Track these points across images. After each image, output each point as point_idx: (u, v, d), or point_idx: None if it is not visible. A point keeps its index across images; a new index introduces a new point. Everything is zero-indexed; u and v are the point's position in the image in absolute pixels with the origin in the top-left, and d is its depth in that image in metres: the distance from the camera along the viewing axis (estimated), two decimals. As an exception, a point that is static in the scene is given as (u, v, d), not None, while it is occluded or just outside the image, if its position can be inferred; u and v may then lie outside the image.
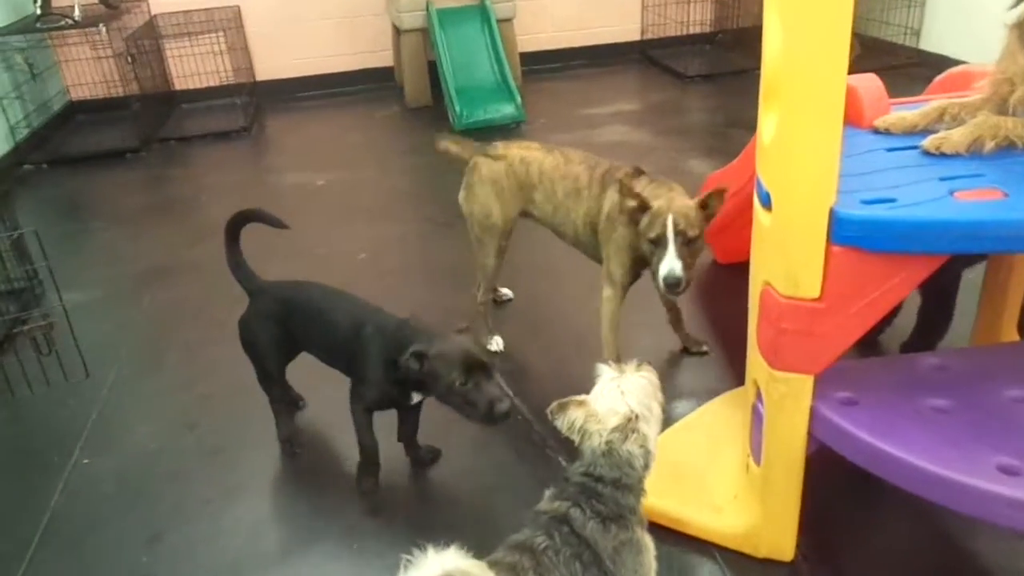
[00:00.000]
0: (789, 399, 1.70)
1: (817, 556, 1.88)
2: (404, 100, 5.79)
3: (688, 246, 2.23)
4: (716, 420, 2.31)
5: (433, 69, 5.54)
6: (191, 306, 3.34)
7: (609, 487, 1.50)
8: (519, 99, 5.20)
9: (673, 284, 2.22)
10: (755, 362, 1.80)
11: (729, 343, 2.79)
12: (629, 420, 1.53)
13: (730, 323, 2.91)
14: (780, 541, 1.87)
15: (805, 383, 1.67)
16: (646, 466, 1.55)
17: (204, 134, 5.46)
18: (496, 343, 2.83)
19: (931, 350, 2.25)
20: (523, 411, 2.52)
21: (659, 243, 2.24)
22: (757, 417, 1.82)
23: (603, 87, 6.05)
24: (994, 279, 2.21)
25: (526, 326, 3.00)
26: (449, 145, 2.78)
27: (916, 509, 1.99)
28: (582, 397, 1.58)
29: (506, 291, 3.15)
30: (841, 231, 1.51)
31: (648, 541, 1.54)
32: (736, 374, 2.59)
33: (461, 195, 2.73)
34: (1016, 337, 2.32)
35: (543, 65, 6.39)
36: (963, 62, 2.45)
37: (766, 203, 1.66)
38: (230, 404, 2.67)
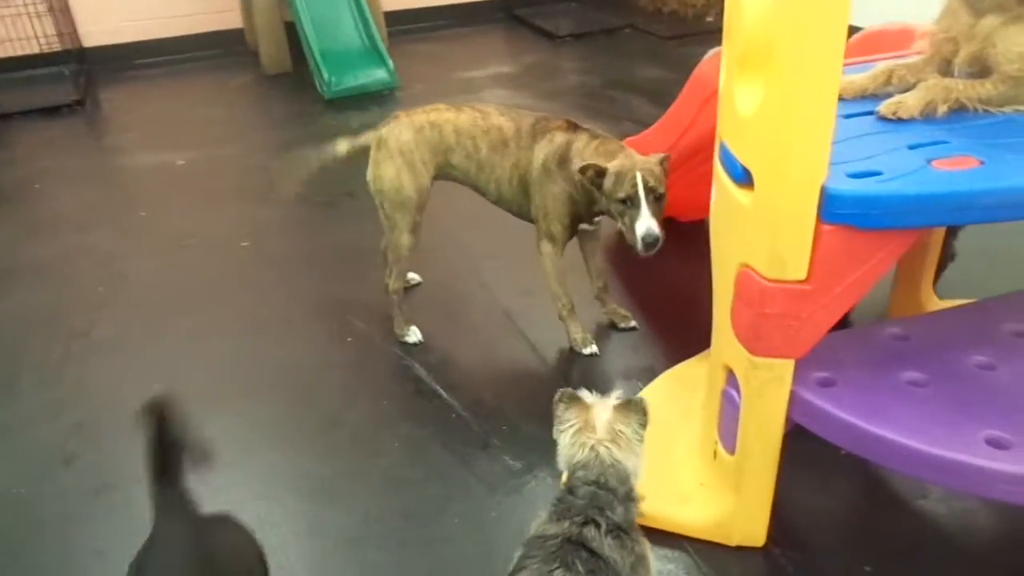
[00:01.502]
0: (771, 385, 1.61)
1: (787, 540, 1.84)
2: (260, 66, 5.30)
3: (658, 203, 2.18)
4: (662, 404, 2.20)
5: (291, 31, 5.08)
6: (40, 315, 2.87)
7: (619, 500, 1.38)
8: (391, 63, 4.88)
9: (651, 243, 2.16)
10: (727, 348, 1.70)
11: (656, 315, 2.71)
12: (617, 431, 1.44)
13: (652, 294, 2.84)
14: (753, 528, 1.81)
15: (787, 368, 1.59)
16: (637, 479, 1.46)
17: (27, 110, 4.75)
18: (414, 334, 2.60)
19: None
20: (456, 408, 2.32)
21: (630, 202, 2.17)
22: (730, 404, 1.73)
23: (474, 48, 5.82)
24: (908, 255, 2.23)
25: (442, 310, 2.79)
26: (353, 144, 2.50)
27: (876, 480, 2.00)
28: (588, 400, 1.49)
29: (412, 275, 2.92)
30: (832, 208, 1.42)
31: (651, 552, 1.43)
32: (669, 349, 2.52)
33: (368, 172, 2.47)
34: (935, 299, 2.38)
35: (407, 25, 6.06)
36: (858, 27, 2.44)
37: (741, 180, 1.54)
38: (112, 430, 2.30)
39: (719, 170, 1.68)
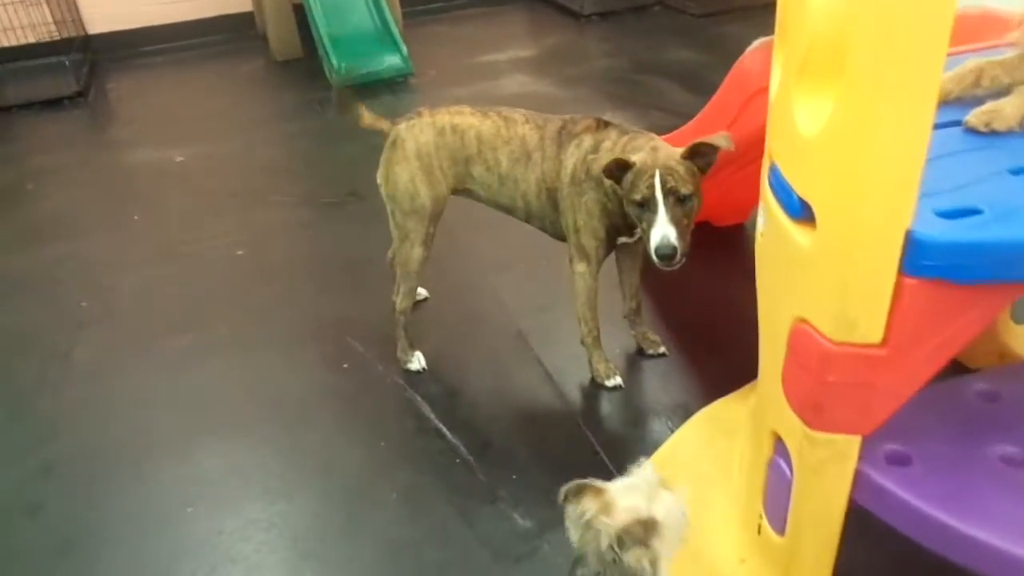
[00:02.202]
0: (831, 463, 1.32)
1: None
2: (269, 52, 5.03)
3: (681, 206, 1.86)
4: (696, 454, 1.93)
5: (301, 14, 4.81)
6: (14, 335, 2.65)
7: None
8: (404, 48, 4.58)
9: (667, 255, 1.85)
10: (776, 412, 1.41)
11: (689, 340, 2.41)
12: (645, 524, 1.18)
13: (684, 314, 2.55)
14: (807, 618, 1.53)
15: (852, 444, 1.30)
16: None
17: (27, 103, 4.54)
18: (417, 361, 2.34)
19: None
20: (461, 452, 2.06)
21: (647, 206, 1.87)
22: (779, 477, 1.44)
23: (493, 30, 5.48)
24: None
25: (450, 331, 2.52)
26: (374, 121, 2.21)
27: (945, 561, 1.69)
28: (602, 484, 1.24)
29: (421, 290, 2.64)
30: (920, 259, 1.11)
31: None
32: (703, 381, 2.24)
33: (380, 174, 2.19)
34: (1012, 326, 2.05)
35: (422, 6, 5.74)
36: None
37: (799, 215, 1.24)
38: (85, 474, 2.08)
39: (769, 200, 1.37)
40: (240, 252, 3.01)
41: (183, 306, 2.73)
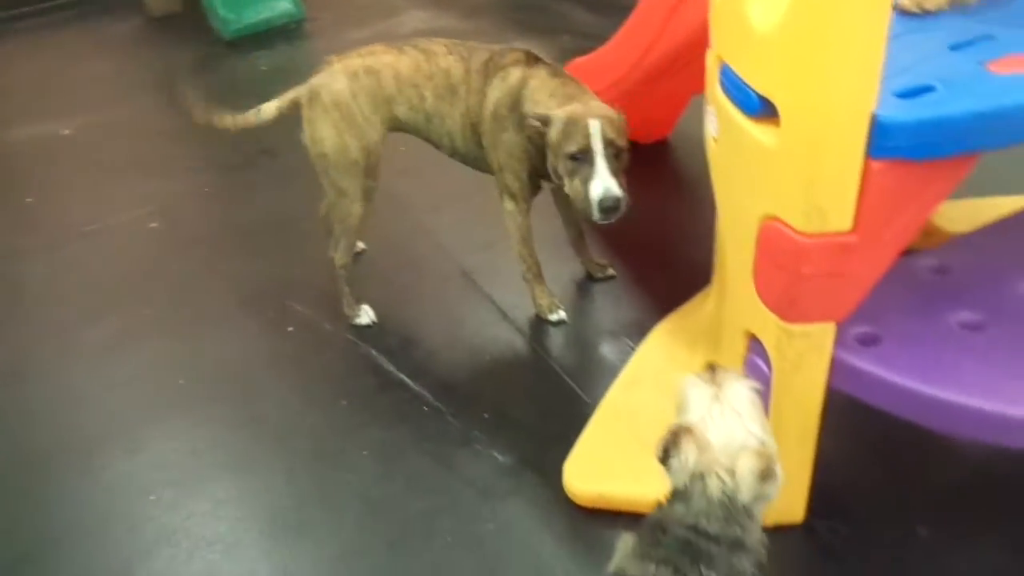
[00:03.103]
0: (809, 354, 1.35)
1: (829, 510, 1.62)
2: (145, 8, 4.67)
3: (617, 159, 1.83)
4: (660, 368, 1.95)
5: (174, -35, 4.47)
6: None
7: (724, 548, 1.08)
8: (294, -9, 4.33)
9: (611, 208, 1.80)
10: (748, 313, 1.42)
11: (634, 260, 2.42)
12: (769, 460, 1.09)
13: (625, 237, 2.54)
14: (791, 505, 1.59)
15: (827, 333, 1.33)
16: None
17: None
18: (366, 314, 2.27)
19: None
20: (428, 400, 2.02)
21: (583, 158, 1.80)
22: (757, 375, 1.46)
23: (384, -35, 5.24)
24: None
25: (394, 281, 2.45)
26: (281, 104, 2.10)
27: (918, 429, 1.78)
28: (688, 423, 1.12)
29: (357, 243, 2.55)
30: (885, 141, 1.12)
31: None
32: (655, 297, 2.26)
33: (305, 135, 2.08)
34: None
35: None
36: None
37: (758, 112, 1.23)
38: (21, 487, 1.91)
39: (722, 101, 1.35)
40: (154, 225, 2.83)
41: (98, 291, 2.55)
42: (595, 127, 1.77)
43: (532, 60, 1.97)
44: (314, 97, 2.03)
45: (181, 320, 2.39)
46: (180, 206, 2.94)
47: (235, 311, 2.39)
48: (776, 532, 1.58)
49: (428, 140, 2.14)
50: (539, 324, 2.22)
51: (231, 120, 2.17)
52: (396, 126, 2.10)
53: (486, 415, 1.96)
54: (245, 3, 4.23)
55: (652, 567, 1.08)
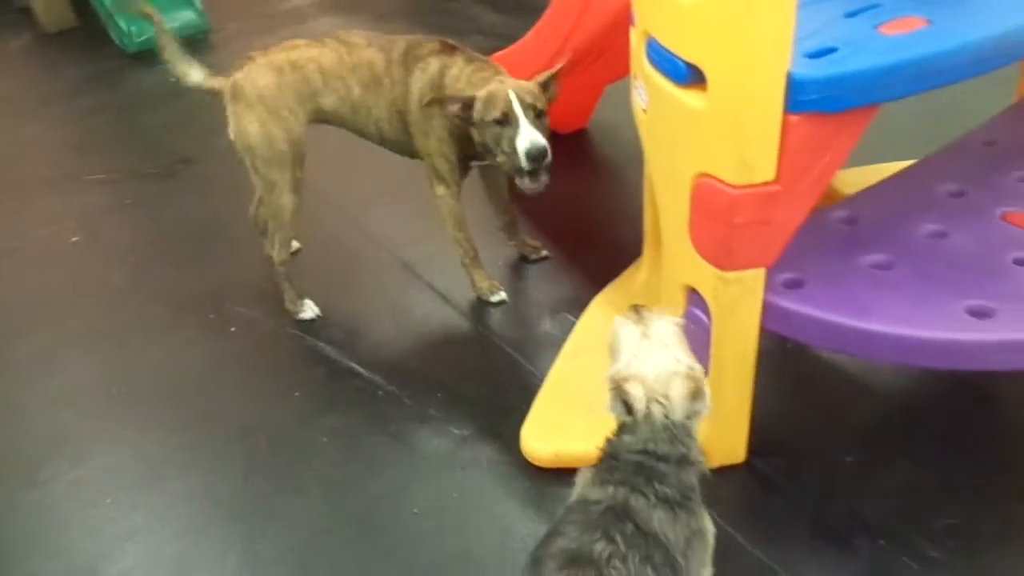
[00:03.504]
0: (743, 298, 1.48)
1: (767, 448, 1.76)
2: (38, 24, 4.50)
3: (539, 121, 1.93)
4: (601, 335, 2.03)
5: (67, -22, 4.33)
6: None
7: (673, 466, 1.18)
8: (197, 2, 4.27)
9: (539, 155, 1.90)
10: (686, 267, 1.54)
11: (565, 240, 2.53)
12: (697, 381, 1.19)
13: (555, 218, 2.65)
14: (733, 446, 1.73)
15: (758, 278, 1.47)
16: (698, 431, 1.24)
17: None
18: (310, 309, 2.29)
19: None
20: (381, 384, 2.07)
21: (506, 122, 1.91)
22: (697, 325, 1.58)
23: (286, -28, 5.21)
24: None
25: (334, 276, 2.48)
26: (205, 79, 2.12)
27: (838, 368, 1.96)
28: (623, 369, 1.21)
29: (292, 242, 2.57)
30: (799, 96, 1.26)
31: (710, 524, 1.26)
32: (589, 274, 2.37)
33: (231, 130, 2.10)
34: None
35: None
36: None
37: (686, 79, 1.35)
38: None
39: (650, 73, 1.47)
40: (75, 239, 2.76)
41: (24, 307, 2.48)
42: (512, 94, 1.90)
43: (449, 49, 2.06)
44: (238, 92, 2.06)
45: (114, 330, 2.35)
46: (101, 219, 2.87)
47: (171, 317, 2.37)
48: (721, 472, 1.73)
49: (353, 130, 2.19)
50: (481, 306, 2.30)
51: (163, 27, 2.18)
52: (321, 118, 2.14)
53: (439, 394, 2.02)
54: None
55: (611, 489, 1.18)
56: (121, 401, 2.11)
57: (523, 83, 1.96)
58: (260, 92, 2.04)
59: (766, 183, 1.34)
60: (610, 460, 1.22)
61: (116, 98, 3.79)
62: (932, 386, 1.92)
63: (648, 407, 1.17)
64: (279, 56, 2.07)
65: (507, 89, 1.91)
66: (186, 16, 4.23)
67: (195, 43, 4.20)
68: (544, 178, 1.96)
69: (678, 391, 1.17)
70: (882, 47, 1.31)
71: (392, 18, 4.31)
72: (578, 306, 2.21)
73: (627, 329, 1.27)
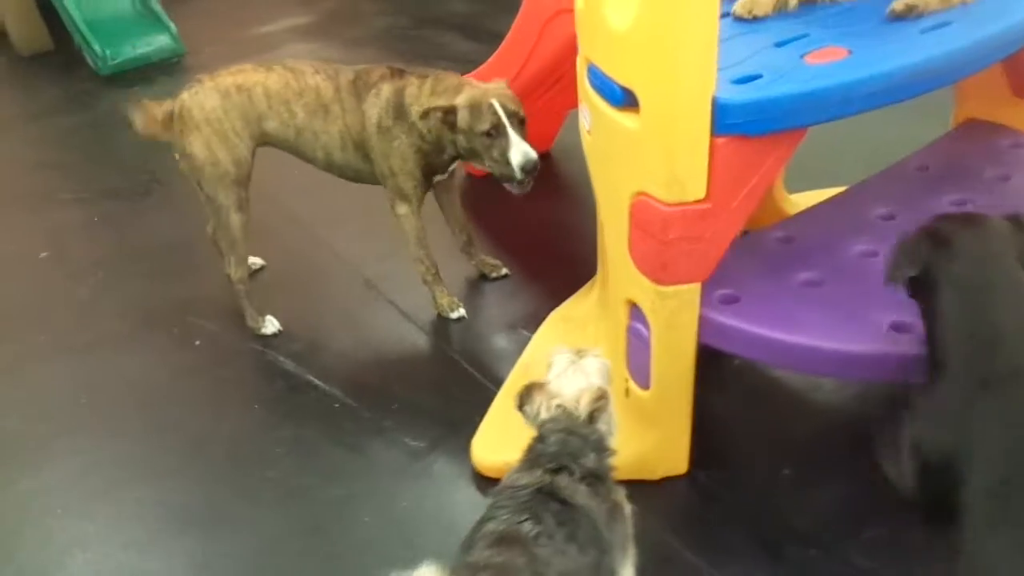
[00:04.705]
0: (680, 312, 1.55)
1: (709, 460, 1.82)
2: (12, 47, 4.55)
3: (522, 127, 2.03)
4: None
5: (45, 2, 4.38)
6: None
7: (591, 448, 1.30)
8: (173, 27, 4.34)
9: (532, 168, 2.00)
10: (627, 283, 1.61)
11: (525, 258, 2.60)
12: (601, 396, 1.35)
13: (515, 237, 2.73)
14: (675, 458, 1.78)
15: (694, 292, 1.54)
16: (612, 436, 1.39)
17: None
18: (271, 324, 2.33)
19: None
20: (339, 397, 2.11)
21: (495, 133, 1.99)
22: (638, 339, 1.66)
23: (265, 1, 5.31)
24: None
25: (298, 292, 2.52)
26: (140, 116, 2.17)
27: (776, 383, 2.02)
28: (541, 381, 1.39)
29: (254, 259, 2.61)
30: (724, 119, 1.34)
31: (627, 503, 1.37)
32: (547, 290, 2.43)
33: (177, 150, 2.16)
34: (785, 194, 2.43)
35: (183, -18, 5.42)
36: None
37: (622, 102, 1.43)
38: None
39: (591, 96, 1.55)
40: (44, 255, 2.79)
41: (-7, 320, 2.51)
42: (497, 104, 1.97)
43: (397, 73, 2.12)
44: (185, 114, 2.12)
45: (80, 343, 2.38)
46: (70, 236, 2.91)
47: (137, 331, 2.41)
48: (665, 483, 1.79)
49: (298, 154, 2.23)
50: (441, 322, 2.35)
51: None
52: (266, 141, 2.19)
53: (395, 407, 2.06)
54: (123, 39, 4.21)
55: (539, 472, 1.27)
56: (83, 412, 2.14)
57: (501, 90, 2.04)
58: (207, 114, 2.10)
59: (697, 201, 1.41)
60: (535, 447, 1.31)
61: (90, 119, 3.84)
62: (870, 403, 1.99)
63: (558, 411, 1.31)
64: (226, 79, 2.13)
65: (491, 99, 1.98)
66: (162, 40, 4.31)
67: (170, 66, 4.29)
68: (531, 182, 2.05)
69: (585, 399, 1.32)
70: (803, 75, 1.40)
71: (364, 45, 4.41)
72: (535, 322, 2.27)
73: (561, 356, 1.44)
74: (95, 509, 1.84)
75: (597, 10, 1.42)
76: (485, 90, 2.01)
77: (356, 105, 2.11)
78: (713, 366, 1.68)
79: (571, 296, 2.30)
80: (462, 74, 2.79)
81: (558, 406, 1.35)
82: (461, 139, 2.05)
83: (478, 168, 2.22)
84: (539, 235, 2.71)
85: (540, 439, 1.33)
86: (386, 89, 2.10)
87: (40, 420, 2.11)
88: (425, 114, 2.01)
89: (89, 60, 4.23)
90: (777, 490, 1.78)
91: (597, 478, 1.28)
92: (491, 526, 1.20)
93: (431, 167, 2.18)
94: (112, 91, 4.08)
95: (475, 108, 1.99)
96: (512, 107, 1.99)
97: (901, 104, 1.47)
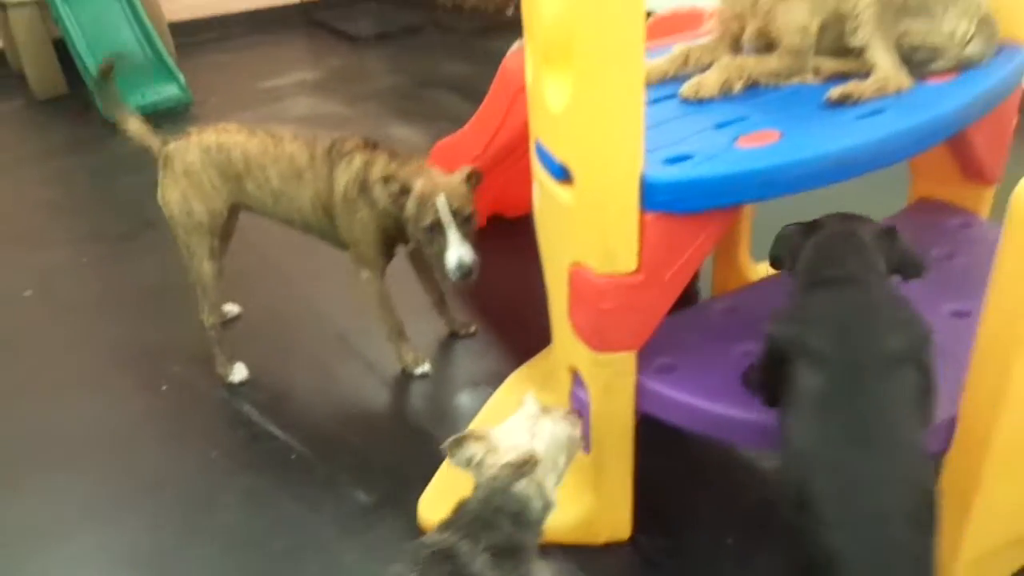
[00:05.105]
0: (616, 379, 1.59)
1: (652, 526, 1.84)
2: (29, 91, 4.73)
3: (466, 225, 2.05)
4: (511, 411, 2.15)
5: (62, 49, 4.57)
6: None
7: (508, 520, 1.31)
8: (182, 78, 4.51)
9: (467, 273, 2.02)
10: (568, 349, 1.66)
11: (496, 317, 2.65)
12: (527, 461, 1.35)
13: (489, 296, 2.78)
14: (617, 523, 1.80)
15: (629, 360, 1.58)
16: (545, 508, 1.40)
17: None
18: (238, 372, 2.38)
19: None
20: (297, 449, 2.15)
21: (436, 230, 2.02)
22: (579, 404, 1.69)
23: (274, 56, 5.51)
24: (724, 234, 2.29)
25: (270, 342, 2.58)
26: (135, 126, 2.26)
27: (724, 451, 2.04)
28: (484, 430, 1.40)
29: (230, 307, 2.68)
30: (652, 197, 1.40)
31: (544, 568, 1.38)
32: (514, 350, 2.48)
33: (159, 195, 2.25)
34: (753, 265, 2.49)
35: (199, 36, 5.64)
36: (651, 11, 2.51)
37: (561, 177, 1.49)
38: None
39: (538, 169, 1.63)
40: (28, 293, 2.87)
41: (-35, 355, 2.57)
42: (442, 201, 1.99)
43: (371, 146, 2.16)
44: (167, 163, 2.21)
45: (50, 383, 2.43)
46: (57, 275, 2.99)
47: (107, 373, 2.46)
48: (606, 548, 1.81)
49: (276, 217, 2.30)
50: (405, 379, 2.39)
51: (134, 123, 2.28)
52: (245, 201, 2.26)
53: (351, 460, 2.10)
54: (133, 87, 4.37)
55: (447, 534, 1.30)
56: (45, 451, 2.18)
57: (453, 182, 2.05)
58: (186, 167, 2.19)
59: (629, 273, 1.47)
60: (460, 506, 1.34)
61: (93, 162, 3.97)
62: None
63: (486, 468, 1.33)
64: (210, 137, 2.22)
65: (439, 193, 1.99)
66: (170, 90, 4.47)
67: (176, 114, 4.44)
68: (472, 280, 2.06)
69: (507, 462, 1.33)
70: (732, 158, 1.46)
71: (365, 100, 4.56)
72: (499, 381, 2.30)
73: (527, 406, 1.48)
74: (47, 552, 1.86)
75: (539, 90, 1.50)
76: (436, 184, 2.02)
77: (328, 173, 2.17)
78: (659, 431, 1.70)
79: (534, 357, 2.34)
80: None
81: (490, 464, 1.37)
82: (409, 225, 2.09)
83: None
84: (511, 296, 2.76)
85: (464, 503, 1.35)
86: (356, 161, 2.15)
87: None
88: (386, 179, 2.06)
89: (99, 106, 4.38)
90: (720, 559, 1.79)
91: (506, 551, 1.28)
92: None
93: (391, 239, 2.22)
94: (118, 137, 4.17)
95: (422, 201, 2.01)
96: (458, 204, 2.00)
97: (870, 179, 1.54)
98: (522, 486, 1.35)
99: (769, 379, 1.43)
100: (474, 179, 2.09)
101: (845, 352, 1.29)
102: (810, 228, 1.48)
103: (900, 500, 1.16)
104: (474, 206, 2.08)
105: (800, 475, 1.23)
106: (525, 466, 1.34)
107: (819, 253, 1.43)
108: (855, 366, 1.27)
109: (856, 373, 1.27)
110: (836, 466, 1.20)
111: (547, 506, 1.41)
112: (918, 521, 1.15)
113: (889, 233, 1.46)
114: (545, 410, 1.50)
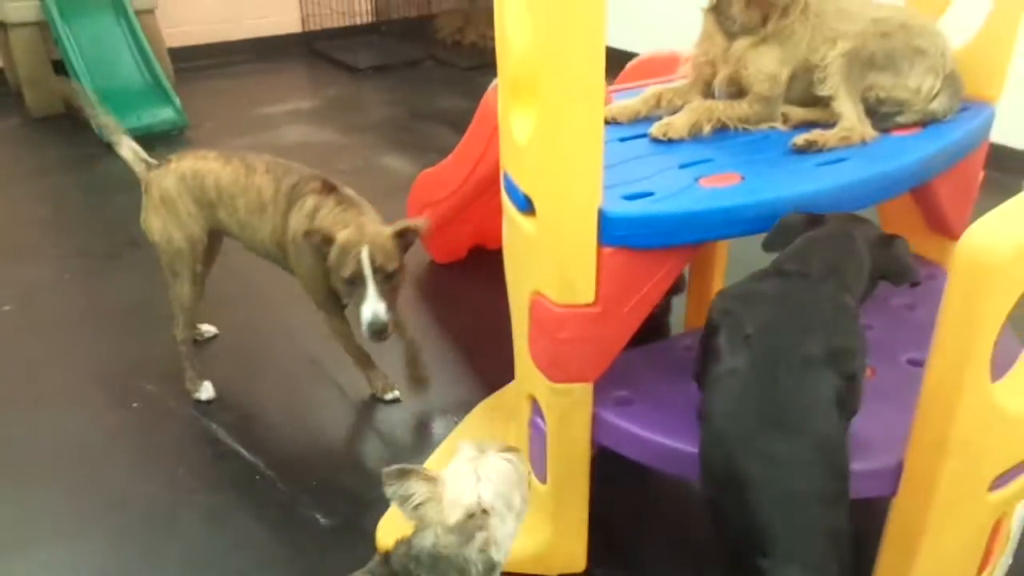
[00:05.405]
0: (573, 410, 1.61)
1: (608, 559, 1.84)
2: (26, 109, 4.79)
3: (389, 281, 2.01)
4: (478, 436, 2.16)
5: (61, 70, 4.65)
6: None
7: (455, 567, 1.27)
8: (178, 101, 4.58)
9: (379, 331, 1.99)
10: (529, 377, 1.68)
11: (471, 346, 2.68)
12: (473, 516, 1.26)
13: (466, 324, 2.81)
14: (572, 554, 1.80)
15: (586, 391, 1.60)
16: (487, 572, 1.30)
17: None
18: (206, 390, 2.39)
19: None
20: (261, 469, 2.15)
21: (356, 282, 2.00)
22: (537, 433, 1.71)
23: (272, 84, 5.60)
24: (699, 270, 2.34)
25: (243, 363, 2.60)
26: (127, 151, 2.31)
27: (682, 485, 2.05)
28: (434, 472, 1.31)
29: (208, 328, 2.70)
30: (610, 231, 1.44)
31: None
32: (485, 380, 2.49)
33: (142, 218, 2.29)
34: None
35: (199, 62, 5.72)
36: (635, 53, 2.58)
37: (525, 208, 1.53)
38: None
39: (505, 200, 1.66)
40: (7, 308, 2.88)
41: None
42: (364, 254, 1.95)
43: (327, 189, 2.13)
44: (149, 189, 2.26)
45: (21, 398, 2.44)
46: (38, 291, 3.01)
47: (80, 389, 2.47)
48: (562, 581, 1.80)
49: (247, 244, 2.31)
50: (375, 404, 2.40)
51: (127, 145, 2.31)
52: (220, 226, 2.28)
53: (314, 483, 2.10)
54: (128, 109, 4.42)
55: (386, 571, 1.29)
56: (11, 465, 2.18)
57: (381, 236, 1.99)
58: (163, 194, 2.22)
59: (587, 304, 1.49)
60: (403, 543, 1.32)
61: (85, 180, 4.01)
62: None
63: (424, 516, 1.28)
64: (187, 164, 2.24)
65: (363, 245, 1.95)
66: (165, 113, 4.53)
67: (172, 138, 4.50)
68: (384, 339, 2.03)
69: (453, 518, 1.26)
70: (691, 197, 1.50)
71: (361, 131, 4.62)
72: (468, 409, 2.32)
73: (464, 452, 1.36)
74: (6, 566, 1.86)
75: (507, 123, 1.55)
76: (362, 236, 1.98)
77: (285, 211, 2.16)
78: (616, 463, 1.71)
79: (502, 388, 2.36)
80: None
81: (430, 517, 1.28)
82: (332, 275, 2.05)
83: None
84: (488, 325, 2.77)
85: (387, 558, 1.33)
86: (309, 203, 2.12)
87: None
88: (307, 234, 2.03)
89: (94, 126, 4.43)
90: (674, 594, 1.79)
91: None
92: None
93: (334, 290, 2.15)
94: (111, 156, 4.15)
95: (344, 251, 1.97)
96: (380, 260, 1.96)
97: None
98: (467, 549, 1.26)
99: (704, 356, 1.47)
100: (410, 235, 2.06)
101: (766, 339, 1.34)
102: (812, 222, 1.48)
103: (812, 480, 1.26)
104: (400, 263, 2.04)
105: (720, 452, 1.31)
106: (472, 523, 1.25)
107: (802, 246, 1.45)
108: (773, 355, 1.33)
109: (773, 362, 1.32)
110: (753, 445, 1.28)
111: (492, 567, 1.30)
112: (832, 499, 1.26)
113: (886, 240, 1.50)
114: (482, 449, 1.37)
